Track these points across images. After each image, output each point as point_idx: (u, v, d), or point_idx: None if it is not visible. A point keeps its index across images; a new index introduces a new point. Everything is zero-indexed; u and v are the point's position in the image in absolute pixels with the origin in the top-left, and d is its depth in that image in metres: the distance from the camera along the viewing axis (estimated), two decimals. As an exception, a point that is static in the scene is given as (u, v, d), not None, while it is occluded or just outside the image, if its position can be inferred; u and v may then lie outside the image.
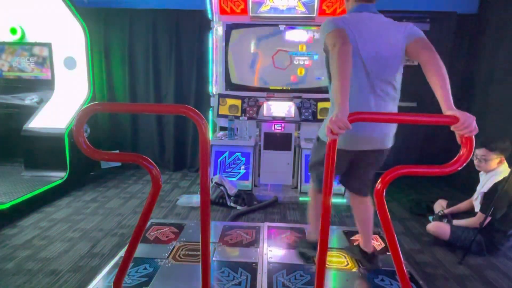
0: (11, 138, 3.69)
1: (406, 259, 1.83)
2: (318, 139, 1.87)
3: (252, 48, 3.51)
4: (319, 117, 3.43)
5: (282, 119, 3.48)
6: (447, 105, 1.24)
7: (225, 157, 3.48)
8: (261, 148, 3.53)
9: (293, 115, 3.48)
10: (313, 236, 2.08)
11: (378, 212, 1.15)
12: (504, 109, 3.32)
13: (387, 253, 2.10)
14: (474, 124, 1.14)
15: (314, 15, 3.38)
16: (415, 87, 2.75)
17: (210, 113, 3.65)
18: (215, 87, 3.64)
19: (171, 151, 4.33)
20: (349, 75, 1.35)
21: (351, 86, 1.55)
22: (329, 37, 1.49)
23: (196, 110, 1.15)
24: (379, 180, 1.14)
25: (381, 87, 1.60)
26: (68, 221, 2.70)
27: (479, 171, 2.49)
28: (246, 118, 3.48)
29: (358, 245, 2.07)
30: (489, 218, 2.24)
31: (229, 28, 3.46)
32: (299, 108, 3.47)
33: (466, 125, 1.13)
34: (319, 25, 3.43)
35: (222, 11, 3.43)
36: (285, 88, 3.56)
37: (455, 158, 1.14)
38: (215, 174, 3.40)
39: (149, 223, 2.49)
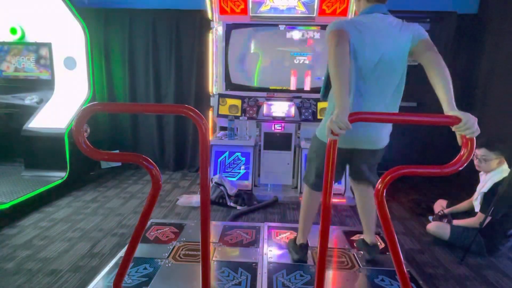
0: (11, 138, 3.68)
1: (406, 259, 1.82)
2: (314, 136, 1.89)
3: (252, 48, 3.50)
4: (319, 117, 3.43)
5: (282, 119, 3.48)
6: (449, 106, 1.24)
7: (225, 157, 3.48)
8: (261, 148, 3.53)
9: (293, 115, 3.48)
10: (299, 238, 2.07)
11: (378, 212, 1.15)
12: (504, 109, 3.32)
13: (387, 253, 2.10)
14: (476, 125, 1.14)
15: (314, 15, 3.38)
16: (415, 87, 2.75)
17: (210, 113, 3.65)
18: (215, 87, 3.64)
19: (171, 151, 4.33)
20: (346, 74, 1.35)
21: (354, 89, 1.55)
22: (328, 38, 1.50)
23: (196, 110, 1.15)
24: (379, 180, 1.14)
25: (380, 90, 1.60)
26: (68, 221, 2.70)
27: (479, 171, 2.49)
28: (246, 118, 3.48)
29: (362, 238, 2.13)
30: (489, 218, 2.24)
31: (229, 28, 3.46)
32: (299, 108, 3.47)
33: (468, 126, 1.13)
34: (319, 25, 3.48)
35: (222, 11, 3.43)
36: (285, 88, 3.56)
37: (455, 159, 1.14)
38: (215, 174, 3.40)
39: (149, 223, 2.49)
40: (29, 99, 3.61)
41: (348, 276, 1.92)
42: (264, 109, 3.50)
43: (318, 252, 1.23)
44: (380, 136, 1.73)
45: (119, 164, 4.31)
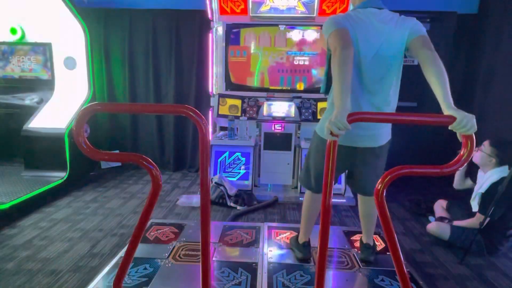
0: (11, 138, 3.68)
1: (406, 259, 1.82)
2: (315, 133, 1.88)
3: (252, 48, 3.51)
4: (319, 117, 3.42)
5: (282, 119, 3.48)
6: (445, 104, 1.23)
7: (225, 157, 3.48)
8: (261, 148, 3.53)
9: (293, 115, 3.48)
10: (301, 237, 2.10)
11: (378, 212, 1.15)
12: (504, 109, 3.32)
13: (387, 253, 2.10)
14: (472, 122, 1.12)
15: (314, 15, 3.38)
16: (415, 87, 2.75)
17: (210, 113, 3.65)
18: (215, 87, 3.64)
19: (171, 151, 4.33)
20: (349, 78, 1.35)
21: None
22: (331, 38, 1.49)
23: (196, 110, 1.15)
24: (379, 180, 1.14)
25: (376, 87, 1.60)
26: (68, 221, 2.70)
27: (478, 172, 2.50)
28: (246, 118, 3.48)
29: (361, 238, 2.15)
30: (488, 219, 2.24)
31: (229, 28, 3.46)
32: (299, 108, 3.47)
33: (463, 124, 1.12)
34: (319, 25, 3.48)
35: (222, 11, 3.43)
36: (285, 88, 3.56)
37: (455, 158, 1.14)
38: (215, 174, 3.40)
39: (149, 223, 2.49)
40: (29, 99, 3.61)
41: (348, 276, 1.92)
42: (264, 109, 3.50)
43: (318, 252, 1.23)
44: (381, 131, 1.71)
45: (119, 164, 4.31)
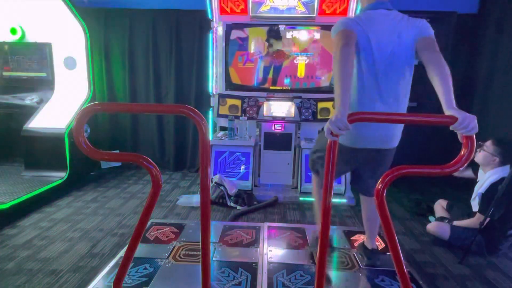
0: (11, 138, 3.68)
1: (406, 259, 1.82)
2: (322, 129, 1.86)
3: (253, 48, 3.51)
4: (319, 117, 3.43)
5: (282, 119, 3.48)
6: (447, 104, 1.23)
7: (225, 157, 3.48)
8: (261, 148, 3.53)
9: (293, 115, 3.48)
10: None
11: (379, 212, 1.15)
12: (504, 109, 3.32)
13: (387, 253, 2.10)
14: (474, 123, 1.12)
15: (314, 15, 3.38)
16: (415, 87, 2.74)
17: (210, 113, 3.65)
18: (215, 87, 3.64)
19: (171, 151, 4.33)
20: (349, 76, 1.35)
21: (358, 85, 1.54)
22: (335, 38, 1.49)
23: (196, 110, 1.15)
24: (380, 180, 1.14)
25: (390, 86, 1.59)
26: (68, 221, 2.70)
27: (478, 171, 2.50)
28: (246, 118, 3.48)
29: (363, 242, 2.12)
30: (488, 219, 2.24)
31: (229, 28, 3.46)
32: (299, 108, 3.47)
33: (464, 125, 1.12)
34: (319, 25, 3.47)
35: (222, 11, 3.43)
36: (285, 88, 3.56)
37: (456, 159, 1.13)
38: (215, 174, 3.40)
39: (149, 223, 2.49)
40: (29, 99, 3.61)
41: (348, 276, 1.92)
42: (264, 109, 3.50)
43: (318, 252, 1.23)
44: (393, 132, 1.68)
45: (119, 164, 4.31)
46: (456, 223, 2.48)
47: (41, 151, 3.35)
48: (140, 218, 1.21)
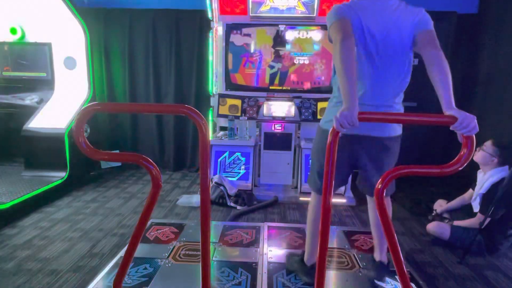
0: (11, 138, 3.68)
1: (406, 259, 1.82)
2: (319, 127, 1.76)
3: (252, 48, 3.51)
4: (319, 117, 3.42)
5: (282, 119, 3.48)
6: (447, 104, 1.22)
7: (225, 157, 3.48)
8: (261, 148, 3.53)
9: (293, 115, 3.48)
10: (308, 257, 1.85)
11: (378, 212, 1.15)
12: (504, 109, 3.32)
13: (387, 253, 2.10)
14: (474, 123, 1.11)
15: (314, 15, 3.38)
16: (415, 87, 2.74)
17: (210, 113, 3.65)
18: (215, 87, 3.64)
19: (171, 151, 4.33)
20: (353, 69, 1.30)
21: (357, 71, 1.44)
22: (331, 30, 1.44)
23: (196, 110, 1.15)
24: (379, 180, 1.14)
25: (386, 76, 1.53)
26: (68, 221, 2.70)
27: (477, 172, 2.50)
28: (246, 118, 3.48)
29: (372, 255, 1.96)
30: (488, 219, 2.24)
31: (229, 28, 3.46)
32: (299, 108, 3.47)
33: (464, 125, 1.11)
34: (319, 25, 3.47)
35: (222, 11, 3.43)
36: (285, 88, 3.56)
37: (455, 158, 1.13)
38: (215, 174, 3.40)
39: (149, 223, 2.49)
40: (29, 99, 3.61)
41: (348, 276, 1.92)
42: (264, 109, 3.50)
43: (318, 252, 1.23)
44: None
45: (119, 164, 4.31)
46: (456, 223, 2.48)
47: (41, 151, 3.35)
48: (140, 218, 1.21)
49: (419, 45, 1.46)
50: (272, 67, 3.52)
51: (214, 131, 3.75)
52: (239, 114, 3.49)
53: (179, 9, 3.99)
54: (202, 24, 3.92)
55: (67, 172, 3.35)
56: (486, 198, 2.31)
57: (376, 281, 1.84)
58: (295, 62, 3.50)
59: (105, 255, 2.19)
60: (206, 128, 1.14)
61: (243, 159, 3.46)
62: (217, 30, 3.50)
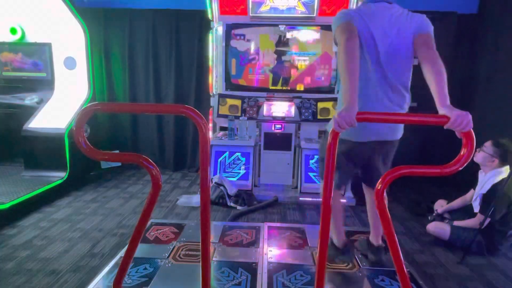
0: (11, 138, 3.69)
1: (406, 259, 1.82)
2: (325, 132, 1.84)
3: (252, 48, 3.51)
4: (319, 117, 3.42)
5: (282, 119, 3.48)
6: (440, 102, 1.23)
7: (225, 157, 3.48)
8: (261, 148, 3.53)
9: (293, 115, 3.48)
10: (339, 241, 1.98)
11: (378, 212, 1.15)
12: (504, 109, 3.32)
13: (387, 253, 2.10)
14: (467, 120, 1.11)
15: (314, 15, 3.38)
16: (415, 87, 2.74)
17: (210, 113, 3.65)
18: (215, 87, 3.64)
19: (171, 151, 4.33)
20: (356, 70, 1.34)
21: (362, 78, 1.49)
22: (337, 32, 1.48)
23: (196, 110, 1.15)
24: (380, 180, 1.14)
25: (393, 80, 1.59)
26: (68, 221, 2.70)
27: (478, 172, 2.49)
28: (246, 118, 3.48)
29: (367, 238, 2.09)
30: (488, 219, 2.24)
31: (229, 28, 3.46)
32: (299, 108, 3.47)
33: (457, 123, 1.12)
34: (319, 25, 3.47)
35: (222, 11, 3.43)
36: (285, 88, 3.56)
37: (455, 159, 1.13)
38: (215, 174, 3.40)
39: (149, 223, 2.49)
40: (29, 99, 3.61)
41: (348, 276, 1.92)
42: (264, 109, 3.50)
43: (318, 252, 1.23)
44: (394, 125, 1.70)
45: (119, 164, 4.31)
46: (456, 223, 2.48)
47: (41, 151, 3.35)
48: (140, 218, 1.21)
49: (416, 46, 1.51)
50: (274, 72, 3.53)
51: (214, 131, 3.75)
52: (239, 114, 3.49)
53: (179, 9, 4.00)
54: (202, 24, 3.92)
55: (67, 172, 3.34)
56: (486, 199, 2.31)
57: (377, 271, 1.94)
58: (295, 62, 3.50)
59: (105, 255, 2.19)
60: (206, 128, 1.14)
61: (243, 159, 3.46)
62: (217, 30, 3.50)
